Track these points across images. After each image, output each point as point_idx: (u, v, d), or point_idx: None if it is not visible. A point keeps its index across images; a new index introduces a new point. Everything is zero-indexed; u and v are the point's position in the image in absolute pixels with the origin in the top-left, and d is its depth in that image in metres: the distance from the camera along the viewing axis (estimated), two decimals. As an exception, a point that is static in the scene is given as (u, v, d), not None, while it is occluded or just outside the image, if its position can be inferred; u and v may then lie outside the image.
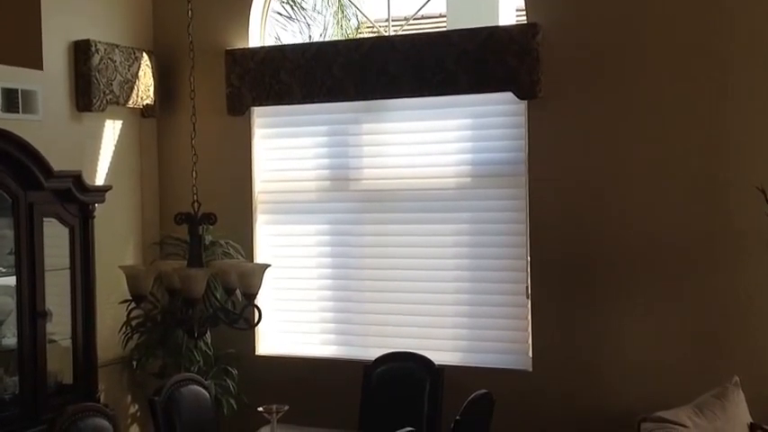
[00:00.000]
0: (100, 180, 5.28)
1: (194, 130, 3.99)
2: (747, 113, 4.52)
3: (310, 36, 7.20)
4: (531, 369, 4.93)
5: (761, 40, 4.50)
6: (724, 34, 4.55)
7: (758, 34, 4.50)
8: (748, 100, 4.52)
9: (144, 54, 5.50)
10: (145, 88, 5.50)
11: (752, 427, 4.03)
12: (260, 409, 4.01)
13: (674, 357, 4.64)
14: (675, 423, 3.76)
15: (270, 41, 5.78)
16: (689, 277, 4.62)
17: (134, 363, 5.32)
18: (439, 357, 4.82)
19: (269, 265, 3.91)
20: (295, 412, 4.04)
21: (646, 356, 4.69)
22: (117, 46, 5.30)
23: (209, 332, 4.98)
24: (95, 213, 4.72)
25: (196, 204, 3.82)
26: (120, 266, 3.93)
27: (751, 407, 4.11)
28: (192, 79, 4.07)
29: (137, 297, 3.75)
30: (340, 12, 7.74)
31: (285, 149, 5.57)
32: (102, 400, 4.77)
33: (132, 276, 3.76)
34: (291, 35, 6.76)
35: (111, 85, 5.23)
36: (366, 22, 7.66)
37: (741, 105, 4.53)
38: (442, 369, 4.66)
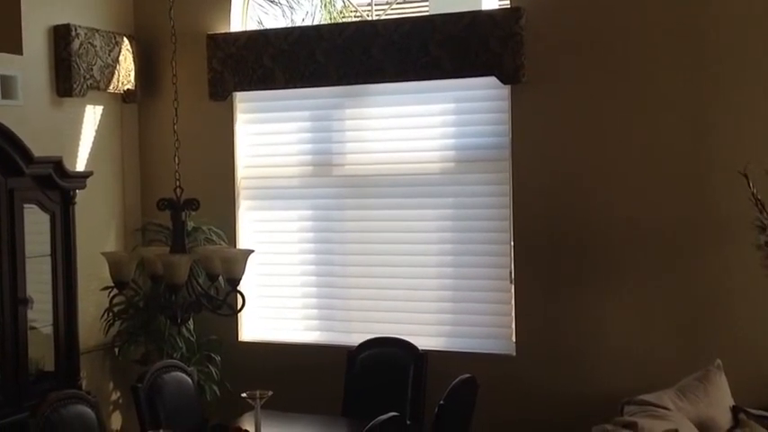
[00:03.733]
0: (81, 166, 5.24)
1: (176, 115, 3.97)
2: (732, 98, 4.53)
3: (293, 20, 7.15)
4: (514, 354, 4.95)
5: (746, 25, 4.50)
6: (709, 18, 4.55)
7: (743, 19, 4.50)
8: (733, 85, 4.52)
9: (125, 38, 5.45)
10: (126, 73, 5.45)
11: (734, 409, 4.05)
12: (243, 395, 3.99)
13: (657, 341, 4.66)
14: (658, 406, 3.77)
15: (252, 26, 5.74)
16: (673, 262, 4.64)
17: (116, 349, 5.30)
18: (423, 342, 4.83)
19: (252, 251, 3.91)
20: (279, 398, 4.04)
21: (629, 340, 4.71)
22: (97, 30, 5.25)
23: (191, 318, 4.96)
24: (76, 199, 4.69)
25: (179, 190, 3.80)
26: (102, 253, 3.92)
27: (733, 390, 4.13)
28: (173, 64, 4.04)
29: (119, 283, 3.73)
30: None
31: (268, 135, 5.55)
32: (84, 387, 4.75)
33: (114, 263, 3.74)
34: (274, 19, 6.70)
35: (92, 69, 5.18)
36: (349, 6, 7.62)
37: (726, 90, 4.53)
38: (426, 354, 4.67)
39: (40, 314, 4.58)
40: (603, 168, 4.76)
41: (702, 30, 4.56)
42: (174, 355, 5.04)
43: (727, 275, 4.55)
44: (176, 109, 3.98)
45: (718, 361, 4.19)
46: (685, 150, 4.61)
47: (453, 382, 4.05)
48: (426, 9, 6.59)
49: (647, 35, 4.65)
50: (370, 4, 5.65)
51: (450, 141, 5.13)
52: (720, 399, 4.05)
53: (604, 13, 4.73)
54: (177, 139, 3.94)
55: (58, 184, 4.56)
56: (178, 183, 3.82)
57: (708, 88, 4.56)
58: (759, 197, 4.04)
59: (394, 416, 3.65)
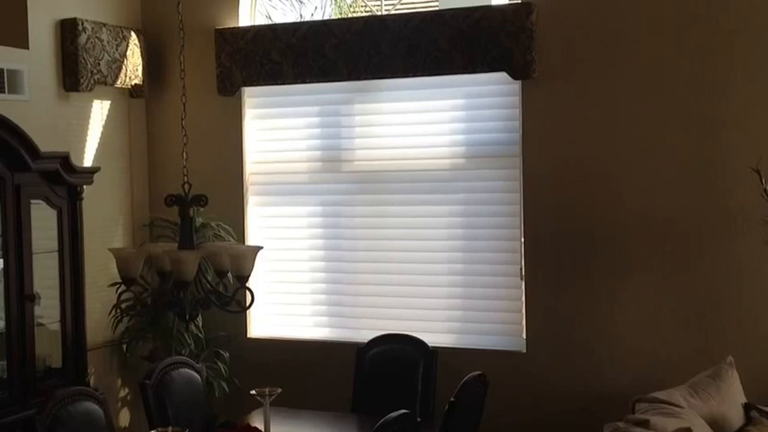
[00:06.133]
0: (88, 161, 5.23)
1: (184, 110, 3.95)
2: (744, 93, 4.50)
3: (302, 15, 7.12)
4: (524, 351, 4.92)
5: (759, 18, 4.47)
6: (721, 12, 4.52)
7: (756, 12, 4.47)
8: (746, 79, 4.49)
9: (132, 33, 5.43)
10: (133, 68, 5.42)
11: (746, 407, 4.03)
12: (252, 392, 3.97)
13: (668, 338, 4.64)
14: (670, 403, 3.74)
15: (260, 20, 5.71)
16: (684, 257, 4.61)
17: (124, 346, 5.29)
18: (433, 339, 4.80)
19: (261, 248, 3.88)
20: (288, 395, 4.02)
21: (640, 337, 4.68)
22: (104, 25, 5.23)
23: (200, 315, 4.95)
24: (84, 195, 4.67)
25: (186, 186, 3.78)
26: (109, 249, 3.89)
27: (745, 387, 4.10)
28: (181, 59, 4.02)
29: (126, 280, 3.71)
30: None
31: (276, 130, 5.52)
32: (91, 383, 4.74)
33: (122, 259, 3.72)
34: (282, 14, 6.67)
35: (99, 64, 5.16)
36: (359, 1, 7.59)
37: (738, 85, 4.50)
38: (436, 351, 4.64)
39: (48, 311, 4.57)
40: (614, 164, 4.73)
41: (714, 24, 4.52)
42: (183, 352, 5.03)
43: (738, 271, 4.52)
44: (184, 104, 3.96)
45: (730, 358, 4.17)
46: (697, 146, 4.59)
47: (464, 379, 4.02)
48: (436, 4, 6.56)
49: (658, 30, 4.62)
50: (379, -1, 5.61)
51: (461, 137, 5.10)
52: (732, 396, 4.02)
53: (615, 8, 4.69)
54: (185, 135, 3.92)
55: (65, 180, 4.54)
56: (186, 178, 3.80)
57: (720, 83, 4.53)
58: (772, 193, 4.02)
59: (404, 413, 3.62)
